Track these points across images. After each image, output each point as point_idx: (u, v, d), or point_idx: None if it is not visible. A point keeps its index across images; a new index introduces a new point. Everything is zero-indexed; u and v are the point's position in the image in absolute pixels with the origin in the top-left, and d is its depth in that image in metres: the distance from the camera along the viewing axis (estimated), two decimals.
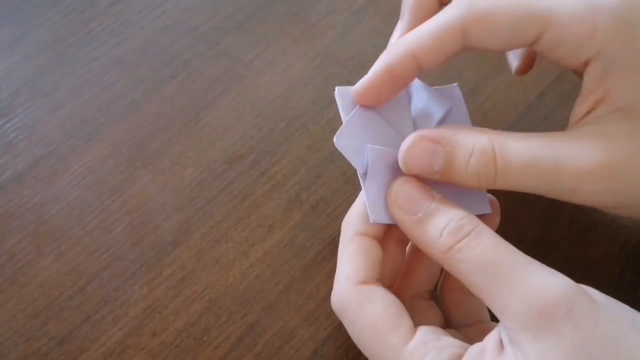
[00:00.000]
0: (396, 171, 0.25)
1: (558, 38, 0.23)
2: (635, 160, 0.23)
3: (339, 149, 0.26)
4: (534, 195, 0.29)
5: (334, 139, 0.25)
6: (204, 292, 0.29)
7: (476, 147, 0.23)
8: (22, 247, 0.29)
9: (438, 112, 0.27)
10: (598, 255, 0.31)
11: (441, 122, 0.27)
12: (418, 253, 0.27)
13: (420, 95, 0.27)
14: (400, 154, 0.25)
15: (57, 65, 0.35)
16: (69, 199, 0.31)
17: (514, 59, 0.30)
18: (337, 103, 0.26)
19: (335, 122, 0.34)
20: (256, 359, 0.27)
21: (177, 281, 0.29)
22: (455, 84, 0.28)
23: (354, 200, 0.31)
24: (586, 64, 0.24)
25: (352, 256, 0.25)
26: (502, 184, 0.23)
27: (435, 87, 0.27)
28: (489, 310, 0.26)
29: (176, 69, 0.35)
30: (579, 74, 0.25)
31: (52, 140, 0.32)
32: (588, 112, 0.24)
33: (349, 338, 0.28)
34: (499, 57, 0.36)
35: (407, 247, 0.27)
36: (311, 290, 0.29)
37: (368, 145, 0.25)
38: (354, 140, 0.26)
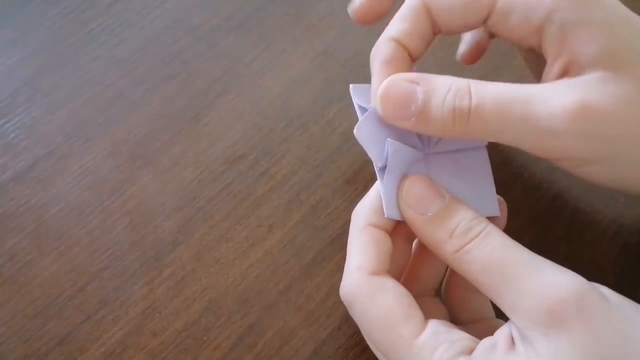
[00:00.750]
0: (412, 169, 0.25)
1: (509, 5, 0.24)
2: (609, 104, 0.22)
3: (359, 140, 0.25)
4: (533, 195, 0.29)
5: (354, 130, 0.25)
6: (204, 292, 0.29)
7: (453, 85, 0.24)
8: (22, 247, 0.29)
9: None
10: (598, 255, 0.31)
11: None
12: (424, 251, 0.27)
13: None
14: (378, 95, 0.25)
15: (57, 65, 0.35)
16: (69, 199, 0.31)
17: (463, 45, 0.30)
18: (353, 101, 0.27)
19: (335, 122, 0.34)
20: (256, 359, 0.27)
21: (177, 281, 0.29)
22: None
23: (354, 200, 0.31)
24: (541, 30, 0.24)
25: (364, 246, 0.25)
26: (476, 124, 0.23)
27: None
28: (495, 308, 0.26)
29: (176, 69, 0.35)
30: (537, 54, 0.26)
31: (52, 140, 0.32)
32: (560, 76, 0.24)
33: (349, 338, 0.28)
34: (499, 57, 0.36)
35: (414, 244, 0.27)
36: (311, 290, 0.29)
37: (389, 139, 0.25)
38: (373, 133, 0.26)
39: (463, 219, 0.23)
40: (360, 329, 0.24)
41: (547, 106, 0.22)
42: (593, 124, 0.22)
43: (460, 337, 0.22)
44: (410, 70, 0.26)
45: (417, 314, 0.23)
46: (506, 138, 0.23)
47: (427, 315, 0.25)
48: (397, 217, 0.25)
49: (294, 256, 0.30)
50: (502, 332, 0.22)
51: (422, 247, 0.27)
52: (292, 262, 0.30)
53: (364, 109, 0.26)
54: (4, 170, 0.31)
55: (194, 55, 0.36)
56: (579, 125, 0.22)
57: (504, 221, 0.26)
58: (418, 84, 0.24)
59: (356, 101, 0.27)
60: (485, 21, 0.26)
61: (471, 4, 0.25)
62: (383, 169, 0.25)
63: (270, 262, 0.29)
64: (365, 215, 0.25)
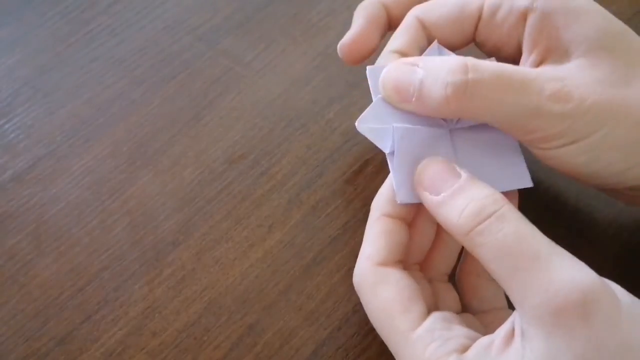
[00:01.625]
0: (423, 149, 0.25)
1: (497, 1, 0.26)
2: (588, 88, 0.24)
3: (361, 132, 0.26)
4: (533, 195, 0.29)
5: (356, 123, 0.26)
6: (204, 292, 0.29)
7: (451, 61, 0.24)
8: (22, 247, 0.29)
9: None
10: (598, 255, 0.31)
11: None
12: (437, 235, 0.27)
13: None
14: (380, 80, 0.26)
15: (57, 65, 0.35)
16: (69, 198, 0.31)
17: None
18: (369, 83, 0.27)
19: (335, 122, 0.34)
20: (256, 359, 0.27)
21: (177, 281, 0.29)
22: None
23: (354, 200, 0.31)
24: (523, 21, 0.26)
25: (375, 237, 0.25)
26: (471, 101, 0.24)
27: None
28: (507, 297, 0.26)
29: (176, 69, 0.35)
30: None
31: (52, 140, 0.32)
32: (537, 65, 0.26)
33: (349, 338, 0.28)
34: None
35: None
36: (311, 290, 0.29)
37: (393, 125, 0.25)
38: (379, 122, 0.26)
39: (475, 197, 0.22)
40: (367, 315, 0.25)
41: (537, 88, 0.24)
42: (573, 104, 0.23)
43: (457, 335, 0.22)
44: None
45: (416, 307, 0.23)
46: (495, 118, 0.24)
47: (438, 302, 0.25)
48: (410, 201, 0.25)
49: (294, 256, 0.30)
50: (502, 330, 0.22)
51: (436, 231, 0.27)
52: (292, 262, 0.30)
53: (377, 94, 0.26)
54: (4, 170, 0.31)
55: (194, 55, 0.36)
56: (560, 105, 0.23)
57: (516, 200, 0.27)
58: (417, 65, 0.25)
59: (372, 84, 0.27)
60: (475, 28, 0.27)
61: (460, 9, 0.27)
62: (392, 154, 0.25)
63: (270, 262, 0.29)
64: (379, 205, 0.26)
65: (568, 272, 0.20)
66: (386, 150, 0.26)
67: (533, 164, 0.33)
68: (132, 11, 0.37)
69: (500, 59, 0.28)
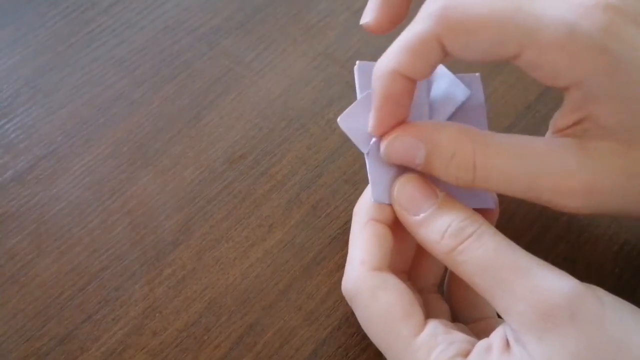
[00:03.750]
0: None
1: (536, 62, 0.22)
2: (614, 179, 0.23)
3: (342, 129, 0.26)
4: None
5: (338, 120, 0.26)
6: (204, 291, 0.29)
7: (457, 152, 0.23)
8: (23, 247, 0.29)
9: (456, 99, 0.27)
10: (598, 255, 0.31)
11: (458, 110, 0.27)
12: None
13: (441, 81, 0.27)
14: (382, 148, 0.25)
15: (57, 66, 0.35)
16: (69, 198, 0.31)
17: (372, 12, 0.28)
18: (355, 79, 0.27)
19: (335, 122, 0.34)
20: (256, 359, 0.27)
21: (177, 281, 0.29)
22: (477, 74, 0.28)
23: (354, 200, 0.31)
24: (566, 88, 0.23)
25: (367, 242, 0.25)
26: (480, 188, 0.24)
27: (459, 74, 0.28)
28: None
29: (176, 69, 0.35)
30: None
31: (52, 140, 0.32)
32: (570, 127, 0.24)
33: (349, 338, 0.28)
34: None
35: None
36: (311, 290, 0.29)
37: (367, 91, 0.25)
38: (360, 122, 0.26)
39: (455, 219, 0.23)
40: (361, 323, 0.24)
41: (553, 184, 0.22)
42: (598, 200, 0.23)
43: (458, 339, 0.22)
44: (412, 95, 0.25)
45: (418, 313, 0.23)
46: (508, 193, 0.23)
47: (429, 312, 0.25)
48: (385, 201, 0.25)
49: (294, 256, 0.30)
50: (498, 334, 0.22)
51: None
52: (292, 262, 0.30)
53: (363, 91, 0.26)
54: (4, 170, 0.31)
55: (194, 55, 0.36)
56: (584, 202, 0.23)
57: (496, 215, 0.27)
58: (421, 140, 0.24)
59: (358, 81, 0.27)
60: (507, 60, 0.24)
61: (495, 48, 0.22)
62: (370, 154, 0.26)
63: (270, 262, 0.30)
64: (367, 210, 0.25)
65: (550, 279, 0.21)
66: (364, 151, 0.26)
67: None
68: (132, 11, 0.37)
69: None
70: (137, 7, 0.37)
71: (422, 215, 0.24)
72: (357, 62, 0.27)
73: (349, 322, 0.28)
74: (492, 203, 0.26)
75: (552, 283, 0.21)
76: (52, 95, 0.34)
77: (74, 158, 0.32)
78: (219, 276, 0.29)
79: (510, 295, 0.21)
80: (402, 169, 0.25)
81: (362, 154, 0.26)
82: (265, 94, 0.34)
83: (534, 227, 0.31)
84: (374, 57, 0.33)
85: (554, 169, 0.23)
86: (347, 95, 0.35)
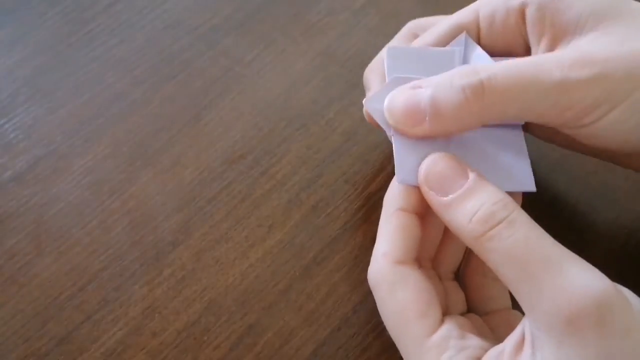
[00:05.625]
0: (444, 139, 0.25)
1: (491, 13, 0.26)
2: (607, 48, 0.23)
3: (369, 111, 0.26)
4: (533, 195, 0.29)
5: (364, 101, 0.26)
6: (204, 292, 0.29)
7: (457, 70, 0.23)
8: (22, 247, 0.29)
9: None
10: (598, 255, 0.31)
11: None
12: (444, 231, 0.27)
13: (478, 60, 0.27)
14: (385, 109, 0.25)
15: (57, 65, 0.35)
16: (68, 199, 0.31)
17: None
18: (385, 63, 0.27)
19: (335, 122, 0.34)
20: (256, 359, 0.27)
21: (177, 281, 0.29)
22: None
23: (354, 201, 0.31)
24: (522, 15, 0.26)
25: (392, 233, 0.24)
26: (491, 96, 0.23)
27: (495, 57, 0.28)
28: (512, 297, 0.26)
29: (176, 68, 0.35)
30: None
31: (52, 140, 0.32)
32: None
33: (349, 338, 0.28)
34: None
35: None
36: (311, 290, 0.29)
37: (395, 75, 0.26)
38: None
39: (485, 202, 0.22)
40: (380, 313, 0.24)
41: (555, 62, 0.23)
42: (597, 67, 0.22)
43: (471, 345, 0.22)
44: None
45: (433, 313, 0.23)
46: (523, 106, 0.23)
47: (448, 301, 0.25)
48: (410, 182, 0.24)
49: (294, 256, 0.30)
50: (511, 338, 0.21)
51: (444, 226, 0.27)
52: (292, 262, 0.30)
53: (392, 75, 0.26)
54: (3, 170, 0.31)
55: (194, 55, 0.36)
56: (586, 71, 0.22)
57: (520, 201, 0.26)
58: (420, 86, 0.24)
59: (387, 65, 0.27)
60: (478, 41, 0.27)
61: (457, 28, 0.27)
62: (397, 134, 0.25)
63: (270, 262, 0.29)
64: (393, 199, 0.25)
65: (580, 278, 0.20)
66: (389, 133, 0.25)
67: (533, 164, 0.33)
68: (132, 11, 0.37)
69: None
70: (137, 7, 0.37)
71: (450, 196, 0.23)
72: (388, 46, 0.27)
73: (349, 323, 0.28)
74: (530, 184, 0.25)
75: (582, 283, 0.19)
76: (52, 95, 0.34)
77: (74, 158, 0.32)
78: (218, 276, 0.29)
79: (537, 292, 0.20)
80: (429, 150, 0.24)
81: (387, 137, 0.25)
82: (265, 93, 0.34)
83: None
84: (374, 57, 0.33)
85: (551, 56, 0.23)
86: (347, 95, 0.34)
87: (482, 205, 0.22)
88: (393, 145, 0.25)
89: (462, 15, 0.27)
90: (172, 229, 0.30)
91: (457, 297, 0.26)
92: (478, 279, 0.26)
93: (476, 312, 0.26)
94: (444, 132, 0.24)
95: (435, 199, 0.23)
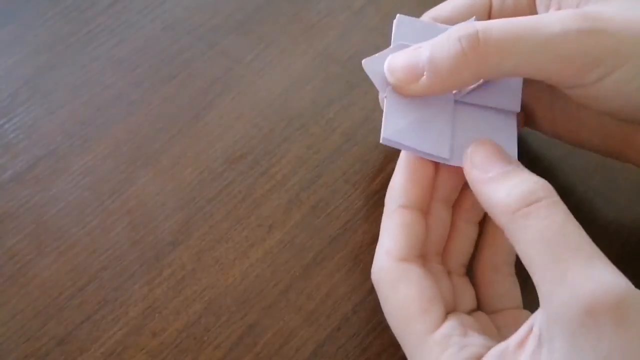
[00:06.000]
0: (438, 112, 0.26)
1: None
2: (610, 10, 0.22)
3: (367, 71, 0.26)
4: None
5: (363, 61, 0.26)
6: (204, 292, 0.29)
7: (456, 26, 0.24)
8: (22, 247, 0.29)
9: None
10: None
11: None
12: (452, 224, 0.26)
13: None
14: (385, 65, 0.25)
15: (56, 65, 0.35)
16: (68, 199, 0.31)
17: None
18: (393, 31, 0.27)
19: (335, 122, 0.34)
20: (256, 359, 0.27)
21: (177, 281, 0.29)
22: None
23: (354, 200, 0.31)
24: None
25: (393, 230, 0.24)
26: (487, 47, 0.23)
27: None
28: (523, 297, 0.26)
29: (176, 68, 0.35)
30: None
31: (51, 140, 0.32)
32: None
33: (349, 338, 0.28)
34: None
35: None
36: (311, 290, 0.29)
37: (400, 42, 0.26)
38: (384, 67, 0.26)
39: (527, 180, 0.22)
40: (383, 311, 0.24)
41: (556, 17, 0.22)
42: (601, 23, 0.22)
43: (472, 343, 0.22)
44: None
45: (436, 309, 0.23)
46: (521, 57, 0.23)
47: (457, 297, 0.25)
48: (393, 142, 0.25)
49: (294, 256, 0.30)
50: (518, 335, 0.21)
51: (450, 222, 0.27)
52: (292, 262, 0.30)
53: (397, 42, 0.27)
54: (3, 170, 0.31)
55: (194, 55, 0.36)
56: (589, 23, 0.22)
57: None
58: (421, 47, 0.24)
59: (395, 31, 0.27)
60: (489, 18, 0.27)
61: (470, 4, 0.28)
62: (390, 94, 0.26)
63: (270, 262, 0.29)
64: (394, 197, 0.25)
65: (606, 274, 0.19)
66: (383, 91, 0.26)
67: (533, 164, 0.33)
68: (131, 11, 0.37)
69: None
70: (137, 7, 0.37)
71: (492, 172, 0.23)
72: (398, 15, 0.27)
73: (349, 323, 0.28)
74: (517, 105, 0.26)
75: (608, 279, 0.19)
76: (51, 95, 0.34)
77: (73, 158, 0.32)
78: (218, 276, 0.29)
79: (561, 277, 0.19)
80: (418, 116, 0.25)
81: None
82: (265, 93, 0.34)
83: None
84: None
85: (551, 13, 0.23)
86: (347, 95, 0.34)
87: (524, 183, 0.22)
88: (384, 105, 0.26)
89: None
90: (172, 229, 0.30)
91: (467, 294, 0.26)
92: (489, 274, 0.26)
93: (485, 309, 0.26)
94: (442, 87, 0.24)
95: (477, 175, 0.23)
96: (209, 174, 0.32)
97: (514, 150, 0.26)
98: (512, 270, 0.26)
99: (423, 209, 0.25)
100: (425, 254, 0.25)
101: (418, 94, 0.25)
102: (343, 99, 0.34)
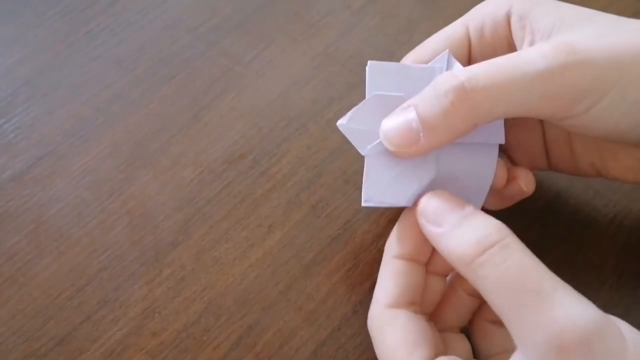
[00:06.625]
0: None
1: (480, 30, 0.27)
2: (585, 40, 0.23)
3: (342, 131, 0.26)
4: (534, 195, 0.29)
5: (338, 123, 0.26)
6: (203, 292, 0.29)
7: (437, 80, 0.24)
8: (22, 247, 0.29)
9: None
10: (598, 255, 0.31)
11: None
12: (452, 289, 0.27)
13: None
14: (381, 133, 0.25)
15: (56, 65, 0.35)
16: (68, 198, 0.31)
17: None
18: (367, 79, 0.27)
19: (335, 122, 0.33)
20: (256, 359, 0.27)
21: (176, 281, 0.29)
22: None
23: (354, 200, 0.31)
24: (509, 25, 0.27)
25: (383, 279, 0.25)
26: (475, 96, 0.23)
27: None
28: None
29: (175, 68, 0.35)
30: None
31: (51, 140, 0.32)
32: None
33: (349, 338, 0.28)
34: None
35: (447, 278, 0.27)
36: (311, 290, 0.29)
37: (375, 92, 0.26)
38: (364, 123, 0.26)
39: (478, 227, 0.22)
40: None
41: (536, 53, 0.23)
42: (583, 54, 0.23)
43: None
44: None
45: (421, 352, 0.23)
46: (510, 100, 0.23)
47: (448, 350, 0.25)
48: (374, 203, 0.26)
49: (294, 256, 0.30)
50: None
51: (450, 285, 0.27)
52: (292, 262, 0.30)
53: (372, 92, 0.27)
54: (3, 170, 0.31)
55: (193, 55, 0.36)
56: (571, 56, 0.23)
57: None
58: (409, 106, 0.24)
59: (369, 81, 0.27)
60: (469, 54, 0.28)
61: (450, 41, 0.28)
62: (370, 157, 0.26)
63: (270, 262, 0.29)
64: (389, 247, 0.26)
65: (572, 308, 0.20)
66: (363, 152, 0.26)
67: None
68: (131, 11, 0.37)
69: None
70: (136, 7, 0.37)
71: (446, 226, 0.23)
72: (369, 62, 0.27)
73: (349, 323, 0.28)
74: (501, 137, 0.26)
75: (574, 313, 0.19)
76: (51, 95, 0.34)
77: (73, 158, 0.32)
78: (218, 276, 0.29)
79: (529, 322, 0.20)
80: (400, 170, 0.25)
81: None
82: (265, 93, 0.34)
83: (534, 227, 0.31)
84: (374, 56, 0.33)
85: (531, 49, 0.24)
86: (347, 95, 0.34)
87: (475, 231, 0.22)
88: (365, 166, 0.26)
89: (453, 29, 0.28)
90: (172, 229, 0.30)
91: (461, 346, 0.26)
92: (485, 326, 0.26)
93: (481, 356, 0.26)
94: (442, 142, 0.24)
95: (432, 230, 0.23)
96: (208, 174, 0.32)
97: (489, 178, 0.27)
98: None
99: (419, 259, 0.25)
100: (421, 303, 0.26)
101: (421, 153, 0.25)
102: (343, 99, 0.34)
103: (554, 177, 0.32)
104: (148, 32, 0.36)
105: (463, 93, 0.23)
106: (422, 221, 0.24)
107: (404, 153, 0.25)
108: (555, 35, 0.24)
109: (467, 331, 0.27)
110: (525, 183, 0.27)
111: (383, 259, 0.26)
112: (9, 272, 0.28)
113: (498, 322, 0.25)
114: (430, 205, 0.24)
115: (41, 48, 0.35)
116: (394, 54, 0.36)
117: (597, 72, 0.23)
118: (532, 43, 0.25)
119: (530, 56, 0.23)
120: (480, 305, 0.27)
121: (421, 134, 0.24)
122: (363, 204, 0.26)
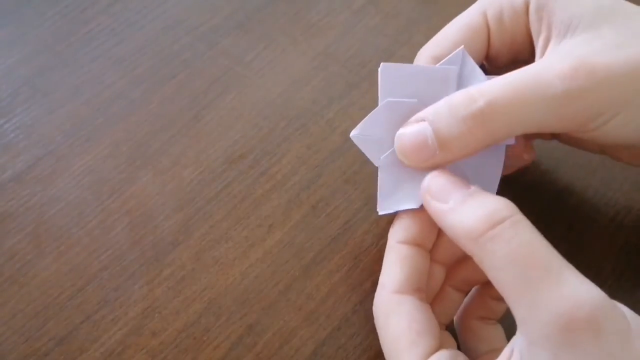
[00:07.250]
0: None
1: (499, 13, 0.27)
2: (601, 54, 0.23)
3: (355, 143, 0.26)
4: (533, 195, 0.29)
5: (352, 133, 0.26)
6: (203, 292, 0.29)
7: (452, 99, 0.24)
8: (22, 247, 0.29)
9: None
10: (598, 255, 0.31)
11: None
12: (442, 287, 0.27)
13: (472, 79, 0.27)
14: (396, 146, 0.25)
15: (56, 65, 0.35)
16: (68, 198, 0.31)
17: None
18: (380, 83, 0.26)
19: (335, 122, 0.34)
20: (256, 359, 0.27)
21: (176, 281, 0.29)
22: None
23: (354, 200, 0.31)
24: (527, 12, 0.26)
25: (389, 264, 0.25)
26: (494, 121, 0.23)
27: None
28: (506, 336, 0.26)
29: (176, 68, 0.35)
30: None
31: (51, 140, 0.32)
32: (544, 50, 0.25)
33: (349, 338, 0.28)
34: None
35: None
36: (311, 290, 0.29)
37: (387, 99, 0.26)
38: (376, 132, 0.26)
39: (488, 202, 0.22)
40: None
41: (553, 73, 0.23)
42: (601, 74, 0.23)
43: None
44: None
45: (426, 341, 0.23)
46: (527, 122, 0.23)
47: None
48: (390, 211, 0.26)
49: (294, 256, 0.30)
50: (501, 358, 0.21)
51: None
52: (292, 262, 0.30)
53: (385, 97, 0.26)
54: (3, 170, 0.31)
55: (193, 55, 0.36)
56: (589, 81, 0.23)
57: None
58: (423, 119, 0.24)
59: (381, 84, 0.26)
60: (488, 42, 0.27)
61: (468, 29, 0.27)
62: (383, 167, 0.26)
63: (270, 262, 0.29)
64: (393, 233, 0.26)
65: (579, 288, 0.19)
66: (377, 163, 0.26)
67: (533, 164, 0.33)
68: (131, 11, 0.37)
69: (520, 63, 0.27)
70: (137, 7, 0.37)
71: (451, 202, 0.22)
72: (382, 64, 0.26)
73: (349, 323, 0.28)
74: (511, 138, 0.26)
75: (581, 293, 0.19)
76: (51, 95, 0.34)
77: (73, 158, 0.32)
78: (218, 276, 0.29)
79: (534, 299, 0.19)
80: (412, 178, 0.25)
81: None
82: (265, 93, 0.34)
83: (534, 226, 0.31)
84: (374, 56, 0.33)
85: (547, 64, 0.24)
86: (347, 95, 0.34)
87: (485, 205, 0.22)
88: (379, 177, 0.26)
89: (470, 16, 0.28)
90: (172, 229, 0.30)
91: (448, 344, 0.26)
92: (473, 323, 0.26)
93: (470, 354, 0.26)
94: (457, 159, 0.25)
95: (437, 206, 0.23)
96: (208, 174, 0.32)
97: (496, 178, 0.27)
98: (498, 317, 0.27)
99: (424, 244, 0.25)
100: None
101: (436, 167, 0.25)
102: (343, 99, 0.34)
103: (554, 177, 0.32)
104: (148, 32, 0.36)
105: (481, 119, 0.23)
106: (427, 198, 0.24)
107: (419, 167, 0.25)
108: (572, 37, 0.24)
109: (452, 331, 0.27)
110: (525, 151, 0.28)
111: (387, 245, 0.26)
112: (9, 272, 0.29)
113: (486, 319, 0.26)
114: (436, 182, 0.24)
115: (41, 48, 0.35)
116: (394, 54, 0.36)
117: (614, 92, 0.23)
118: (547, 39, 0.25)
119: (549, 77, 0.23)
120: (468, 302, 0.27)
121: (437, 152, 0.24)
122: (379, 214, 0.26)
